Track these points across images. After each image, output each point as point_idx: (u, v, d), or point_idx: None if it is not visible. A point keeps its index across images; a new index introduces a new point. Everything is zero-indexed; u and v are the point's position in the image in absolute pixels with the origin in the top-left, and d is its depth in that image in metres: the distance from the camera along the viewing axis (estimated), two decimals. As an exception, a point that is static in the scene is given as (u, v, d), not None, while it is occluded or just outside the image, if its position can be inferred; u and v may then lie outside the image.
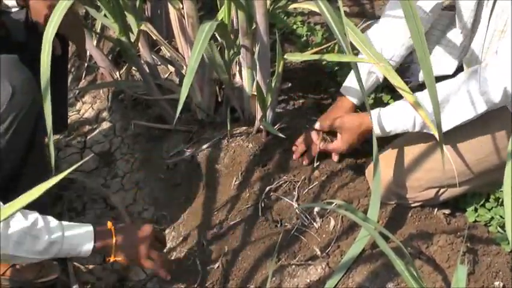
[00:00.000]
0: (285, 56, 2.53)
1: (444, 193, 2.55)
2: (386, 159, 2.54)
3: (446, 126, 2.30)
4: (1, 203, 2.05)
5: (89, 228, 2.29)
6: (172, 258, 2.63)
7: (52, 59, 2.38)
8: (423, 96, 2.30)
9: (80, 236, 2.26)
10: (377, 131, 2.47)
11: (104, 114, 3.33)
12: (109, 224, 2.36)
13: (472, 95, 2.30)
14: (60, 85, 2.72)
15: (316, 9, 2.22)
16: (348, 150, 2.63)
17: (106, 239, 2.31)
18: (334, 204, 2.45)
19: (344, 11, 3.50)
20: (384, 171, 2.50)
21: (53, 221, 2.20)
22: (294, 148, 2.72)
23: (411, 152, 2.52)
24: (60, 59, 2.59)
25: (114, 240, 2.32)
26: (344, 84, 2.71)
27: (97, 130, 3.28)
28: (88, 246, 2.27)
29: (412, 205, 2.58)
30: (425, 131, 2.41)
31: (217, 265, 2.53)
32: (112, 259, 2.33)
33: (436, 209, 2.59)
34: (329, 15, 2.09)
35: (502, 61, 2.24)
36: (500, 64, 2.25)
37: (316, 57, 2.53)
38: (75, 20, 2.52)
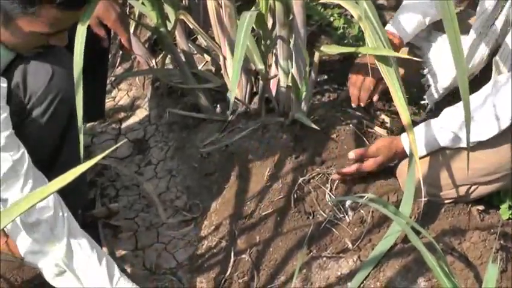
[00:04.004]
0: (321, 48, 2.52)
1: (476, 190, 2.53)
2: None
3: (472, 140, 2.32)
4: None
5: None
6: (203, 246, 2.64)
7: (95, 49, 2.42)
8: (452, 110, 2.42)
9: None
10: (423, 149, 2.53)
11: (140, 101, 3.35)
12: None
13: (496, 109, 2.32)
14: (100, 75, 2.75)
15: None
16: (377, 169, 2.62)
17: None
18: (366, 197, 2.45)
19: (381, 4, 3.52)
20: (425, 166, 2.50)
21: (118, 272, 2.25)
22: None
23: (442, 150, 2.51)
24: (103, 50, 2.62)
25: None
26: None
27: (132, 117, 3.29)
28: None
29: (446, 202, 2.57)
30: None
31: (248, 255, 2.54)
32: None
33: (470, 205, 2.57)
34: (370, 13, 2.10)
35: None
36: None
37: (352, 49, 2.52)
38: (122, 12, 2.56)
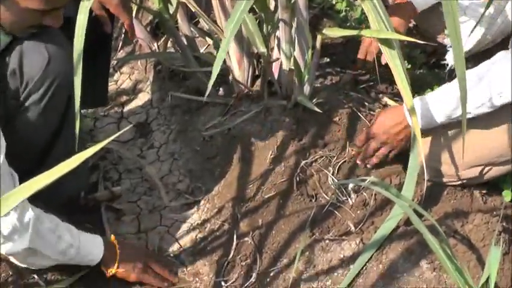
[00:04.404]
0: (324, 31, 2.52)
1: (490, 171, 2.50)
2: (430, 135, 2.51)
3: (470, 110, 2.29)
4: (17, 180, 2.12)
5: (99, 237, 2.41)
6: (206, 229, 2.65)
7: (97, 34, 2.41)
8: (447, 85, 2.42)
9: (93, 243, 2.38)
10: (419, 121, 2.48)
11: (142, 85, 3.35)
12: (112, 237, 2.47)
13: (489, 78, 2.31)
14: (103, 61, 2.74)
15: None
16: (377, 135, 2.55)
17: (111, 250, 2.42)
18: (368, 180, 2.45)
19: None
20: (427, 148, 2.46)
21: (72, 227, 2.31)
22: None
23: (455, 129, 2.48)
24: (106, 35, 2.62)
25: (118, 253, 2.42)
26: None
27: (134, 101, 3.29)
28: (98, 255, 2.38)
29: (455, 183, 2.54)
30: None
31: (250, 238, 2.54)
32: (113, 271, 2.43)
33: (472, 188, 2.57)
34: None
35: None
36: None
37: (354, 32, 2.52)
38: None
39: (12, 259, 2.29)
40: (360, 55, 2.86)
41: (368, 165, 2.60)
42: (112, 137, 1.39)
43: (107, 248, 2.40)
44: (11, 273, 2.44)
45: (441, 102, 2.41)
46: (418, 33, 3.06)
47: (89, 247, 2.36)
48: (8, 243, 2.14)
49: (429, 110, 2.43)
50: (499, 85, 2.28)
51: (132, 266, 2.44)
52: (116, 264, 2.41)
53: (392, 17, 2.46)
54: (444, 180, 2.55)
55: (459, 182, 2.55)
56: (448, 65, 2.86)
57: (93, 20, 2.11)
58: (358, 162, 2.62)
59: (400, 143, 2.51)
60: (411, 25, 3.12)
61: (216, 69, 2.03)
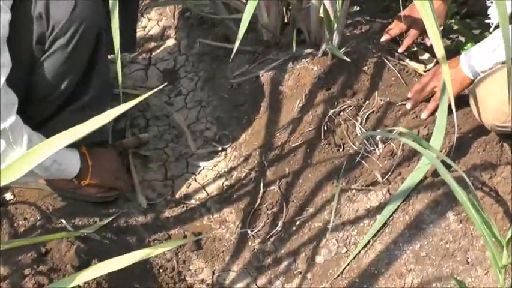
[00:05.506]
0: (355, -21, 2.49)
1: None
2: (499, 78, 2.42)
3: None
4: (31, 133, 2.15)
5: (75, 150, 2.44)
6: (233, 177, 2.66)
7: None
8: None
9: (71, 156, 2.43)
10: (468, 73, 2.44)
11: (170, 31, 3.33)
12: (83, 148, 2.49)
13: None
14: (131, 4, 2.72)
15: None
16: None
17: (84, 162, 2.46)
18: (396, 130, 2.43)
19: None
20: (501, 90, 2.33)
21: None
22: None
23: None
24: None
25: (90, 163, 2.47)
26: None
27: (162, 47, 3.28)
28: (76, 168, 2.44)
29: None
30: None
31: (277, 186, 2.54)
32: (87, 182, 2.49)
33: (502, 140, 2.54)
34: None
35: None
36: None
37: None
38: None
39: None
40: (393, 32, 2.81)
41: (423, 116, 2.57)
42: (156, 89, 1.38)
43: (81, 161, 2.45)
44: (39, 217, 2.47)
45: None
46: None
47: (69, 161, 2.41)
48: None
49: (471, 62, 2.40)
50: None
51: (103, 175, 2.52)
52: (88, 176, 2.48)
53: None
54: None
55: None
56: (492, 24, 2.74)
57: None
58: (409, 106, 2.61)
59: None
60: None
61: (246, 20, 2.01)
